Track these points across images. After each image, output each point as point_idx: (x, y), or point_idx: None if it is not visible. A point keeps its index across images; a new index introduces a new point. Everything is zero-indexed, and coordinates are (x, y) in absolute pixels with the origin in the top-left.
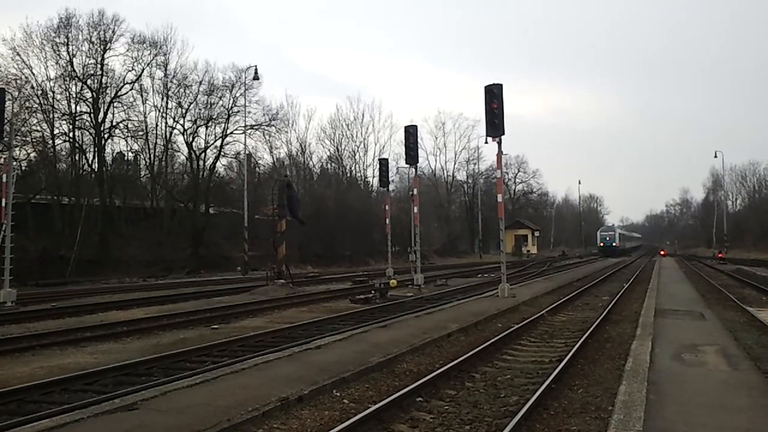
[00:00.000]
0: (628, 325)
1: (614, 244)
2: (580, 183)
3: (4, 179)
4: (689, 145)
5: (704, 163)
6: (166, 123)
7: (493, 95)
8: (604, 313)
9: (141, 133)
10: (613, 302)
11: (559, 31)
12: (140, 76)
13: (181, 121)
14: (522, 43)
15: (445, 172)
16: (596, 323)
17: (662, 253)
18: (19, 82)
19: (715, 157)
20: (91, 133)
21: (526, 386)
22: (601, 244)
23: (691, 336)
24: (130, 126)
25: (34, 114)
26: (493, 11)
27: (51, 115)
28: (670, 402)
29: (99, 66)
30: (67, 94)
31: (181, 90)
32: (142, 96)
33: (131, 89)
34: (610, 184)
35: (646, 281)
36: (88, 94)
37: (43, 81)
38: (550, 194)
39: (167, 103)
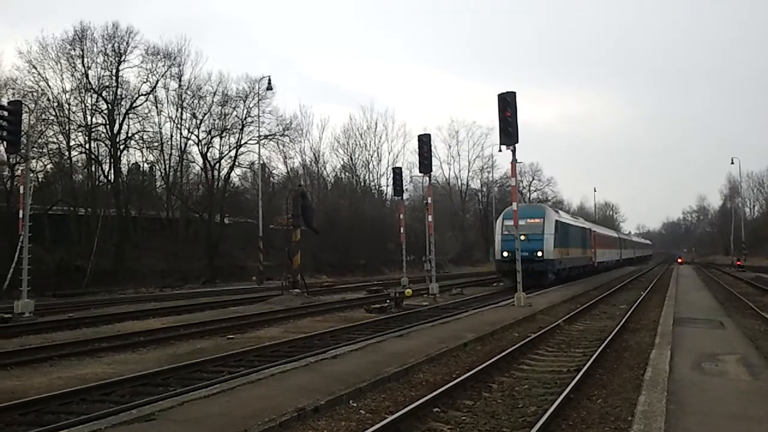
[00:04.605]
0: (647, 334)
1: (538, 253)
2: (595, 190)
3: (22, 191)
4: (706, 152)
5: (721, 170)
6: (181, 134)
7: (507, 103)
8: (622, 321)
9: (156, 144)
10: (630, 311)
11: (569, 38)
12: (155, 87)
13: (196, 132)
14: (534, 51)
15: (459, 180)
16: (614, 332)
17: (680, 261)
18: (35, 94)
19: (732, 163)
20: (106, 145)
21: (544, 396)
22: (504, 254)
23: (710, 345)
24: (145, 137)
25: (50, 126)
26: (505, 20)
27: (67, 127)
28: (690, 412)
29: (114, 78)
30: (83, 106)
31: (196, 101)
32: (156, 107)
33: (146, 100)
34: (625, 191)
35: (664, 289)
36: (104, 106)
37: (58, 93)
38: (565, 202)
39: (182, 114)
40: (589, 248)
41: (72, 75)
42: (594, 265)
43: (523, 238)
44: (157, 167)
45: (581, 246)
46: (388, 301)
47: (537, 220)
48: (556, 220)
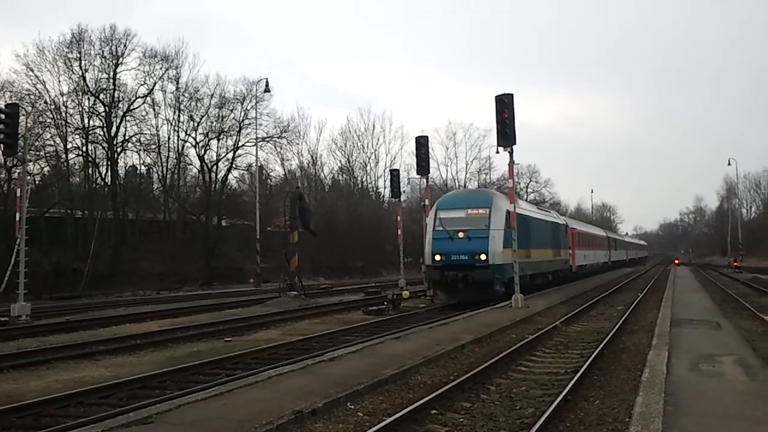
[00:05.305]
0: (644, 335)
1: (481, 256)
2: (592, 192)
3: (19, 193)
4: (702, 153)
5: (718, 171)
6: (178, 136)
7: (504, 105)
8: (619, 323)
9: (153, 146)
10: (627, 312)
11: (568, 40)
12: (152, 89)
13: (193, 134)
14: (531, 53)
15: (456, 182)
16: (611, 333)
17: (676, 262)
18: (32, 97)
19: (729, 164)
20: (103, 147)
21: (542, 398)
22: (437, 258)
23: (707, 346)
24: (142, 139)
25: (47, 129)
26: (503, 21)
27: (64, 130)
28: (688, 413)
29: (111, 80)
30: (80, 109)
31: (193, 103)
32: (154, 110)
33: (143, 103)
34: (623, 193)
35: (661, 291)
36: (101, 109)
37: (56, 96)
38: (562, 204)
39: (179, 116)
40: (564, 249)
41: (69, 77)
42: (572, 270)
43: (461, 235)
44: (155, 170)
45: (551, 246)
46: (385, 303)
47: (481, 211)
48: (508, 211)
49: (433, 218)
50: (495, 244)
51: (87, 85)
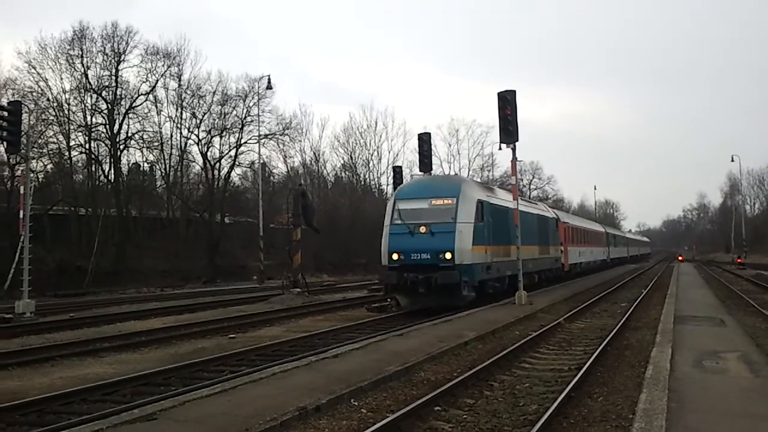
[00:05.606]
0: (648, 331)
1: (446, 254)
2: (595, 189)
3: (22, 191)
4: (706, 149)
5: (721, 168)
6: (181, 133)
7: (507, 101)
8: (623, 319)
9: (156, 143)
10: (631, 309)
11: (571, 37)
12: (154, 87)
13: (196, 132)
14: (534, 51)
15: None
16: (615, 330)
17: (680, 258)
18: (35, 94)
19: (732, 161)
20: (106, 145)
21: (546, 395)
22: (394, 257)
23: (711, 342)
24: (145, 137)
25: (50, 126)
26: (506, 18)
27: (67, 127)
28: (691, 410)
29: (113, 78)
30: (83, 106)
31: (195, 100)
32: (156, 107)
33: (146, 100)
34: (626, 189)
35: (665, 287)
36: (103, 106)
37: (58, 93)
38: (565, 200)
39: (181, 113)
40: (554, 245)
41: (71, 75)
42: (564, 268)
43: (422, 230)
44: (158, 167)
45: (538, 242)
46: (388, 300)
47: (446, 201)
48: (479, 201)
49: (391, 209)
50: (463, 240)
51: (89, 83)
